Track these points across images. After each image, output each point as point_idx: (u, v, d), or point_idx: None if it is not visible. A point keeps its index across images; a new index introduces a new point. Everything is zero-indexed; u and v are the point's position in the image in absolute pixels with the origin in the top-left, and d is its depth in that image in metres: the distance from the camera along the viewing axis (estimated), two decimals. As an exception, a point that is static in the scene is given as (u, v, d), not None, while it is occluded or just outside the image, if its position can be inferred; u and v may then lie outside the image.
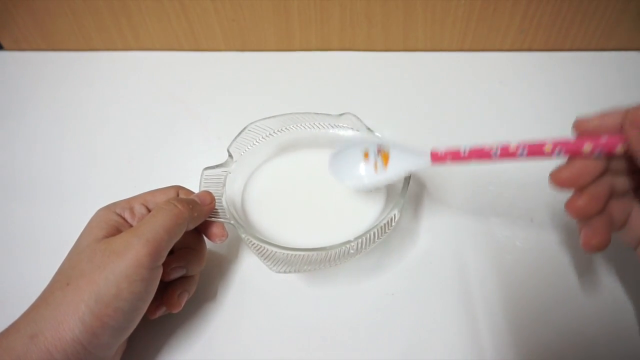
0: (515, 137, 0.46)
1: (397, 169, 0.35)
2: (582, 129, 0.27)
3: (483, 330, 0.34)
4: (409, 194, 0.42)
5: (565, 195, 0.28)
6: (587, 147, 0.26)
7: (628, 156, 0.25)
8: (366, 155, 0.37)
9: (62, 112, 0.53)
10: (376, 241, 0.34)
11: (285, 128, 0.41)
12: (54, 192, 0.45)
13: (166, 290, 0.33)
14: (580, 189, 0.27)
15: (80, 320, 0.26)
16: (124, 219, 0.32)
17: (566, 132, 0.48)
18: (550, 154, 0.27)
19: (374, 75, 0.55)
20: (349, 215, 0.38)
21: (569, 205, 0.27)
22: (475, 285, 0.36)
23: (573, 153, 0.27)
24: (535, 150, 0.28)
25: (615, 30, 0.52)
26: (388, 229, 0.35)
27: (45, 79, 0.57)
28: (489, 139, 0.46)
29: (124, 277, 0.27)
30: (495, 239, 0.39)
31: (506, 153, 0.29)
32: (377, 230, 0.34)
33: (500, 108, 0.50)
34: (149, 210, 0.33)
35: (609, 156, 0.26)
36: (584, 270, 0.36)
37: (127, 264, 0.27)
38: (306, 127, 0.42)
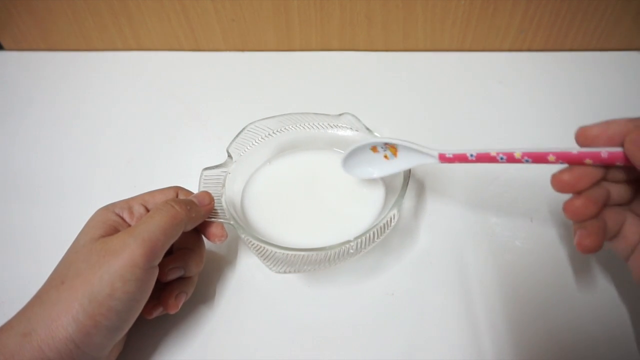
0: (515, 137, 0.47)
1: (407, 160, 0.36)
2: (584, 136, 0.28)
3: (483, 330, 0.34)
4: (409, 193, 0.42)
5: (564, 195, 0.28)
6: (589, 162, 0.27)
7: (627, 167, 0.27)
8: (374, 149, 0.37)
9: (62, 112, 0.53)
10: (375, 241, 0.34)
11: (284, 128, 0.41)
12: (54, 192, 0.45)
13: (164, 290, 0.33)
14: (579, 192, 0.28)
15: (73, 319, 0.26)
16: (122, 219, 0.32)
17: (566, 132, 0.48)
18: (553, 163, 0.29)
19: (374, 75, 0.55)
20: (349, 215, 0.38)
21: (567, 206, 0.28)
22: (475, 285, 0.36)
23: (575, 163, 0.28)
24: (539, 159, 0.29)
25: (615, 30, 0.52)
26: (387, 229, 0.35)
27: (45, 79, 0.57)
28: (489, 138, 0.47)
29: (119, 276, 0.27)
30: (495, 239, 0.39)
31: (512, 160, 0.30)
32: (377, 230, 0.34)
33: (500, 108, 0.50)
34: (148, 211, 0.33)
35: (609, 166, 0.27)
36: (584, 270, 0.36)
37: (122, 264, 0.27)
38: (305, 127, 0.42)
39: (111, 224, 0.31)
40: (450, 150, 0.33)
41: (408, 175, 0.36)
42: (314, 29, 0.55)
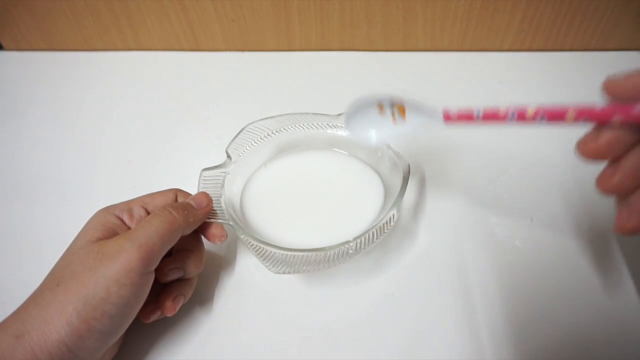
0: (515, 137, 0.46)
1: (415, 122, 0.33)
2: (614, 91, 0.23)
3: (483, 330, 0.34)
4: (408, 193, 0.42)
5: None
6: (617, 118, 0.23)
7: None
8: (381, 108, 0.34)
9: (62, 112, 0.53)
10: (375, 241, 0.34)
11: (284, 128, 0.41)
12: (54, 192, 0.45)
13: (162, 293, 0.33)
14: (612, 161, 0.24)
15: (67, 322, 0.26)
16: (122, 221, 0.32)
17: (565, 132, 0.48)
18: (573, 122, 0.24)
19: (374, 75, 0.55)
20: (348, 216, 0.38)
21: (601, 182, 0.24)
22: (475, 285, 0.36)
23: (601, 122, 0.23)
24: (555, 117, 0.25)
25: (615, 30, 0.52)
26: (387, 229, 0.35)
27: (45, 79, 0.57)
28: (489, 138, 0.47)
29: (114, 281, 0.27)
30: (495, 239, 0.39)
31: (523, 118, 0.26)
32: (376, 230, 0.34)
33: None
34: (148, 213, 0.33)
35: None
36: (584, 270, 0.36)
37: (118, 268, 0.27)
38: (304, 127, 0.41)
39: (110, 226, 0.31)
40: (454, 110, 0.30)
41: (407, 175, 0.36)
42: (314, 29, 0.55)
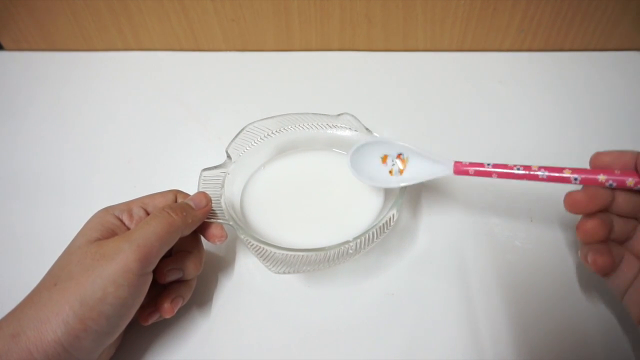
0: (515, 137, 0.47)
1: (412, 176, 0.36)
2: (598, 162, 0.30)
3: (483, 330, 0.34)
4: (408, 193, 0.42)
5: (564, 194, 0.28)
6: (602, 177, 0.28)
7: (632, 195, 0.29)
8: (384, 159, 0.37)
9: (62, 112, 0.53)
10: (375, 241, 0.34)
11: (284, 128, 0.41)
12: (54, 192, 0.45)
13: (160, 294, 0.33)
14: (589, 214, 0.29)
15: (63, 322, 0.26)
16: (121, 221, 0.32)
17: (566, 132, 0.48)
18: (568, 180, 0.30)
19: (374, 75, 0.55)
20: (348, 216, 0.38)
21: (580, 225, 0.29)
22: (475, 285, 0.36)
23: (589, 181, 0.29)
24: (555, 175, 0.30)
25: (615, 30, 0.52)
26: (387, 229, 0.35)
27: (45, 79, 0.57)
28: (489, 138, 0.47)
29: (111, 281, 0.27)
30: (495, 239, 0.39)
31: (529, 175, 0.31)
32: (376, 231, 0.34)
33: (500, 108, 0.50)
34: (148, 214, 0.33)
35: (620, 187, 0.29)
36: (584, 271, 0.36)
37: (116, 269, 0.27)
38: (304, 127, 0.41)
39: (109, 226, 0.31)
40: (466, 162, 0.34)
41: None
42: (314, 29, 0.55)
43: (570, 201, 0.29)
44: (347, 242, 0.33)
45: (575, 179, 0.29)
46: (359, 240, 0.33)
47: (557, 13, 0.51)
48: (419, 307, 0.35)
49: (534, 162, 0.31)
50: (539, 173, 0.31)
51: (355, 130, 0.41)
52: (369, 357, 0.33)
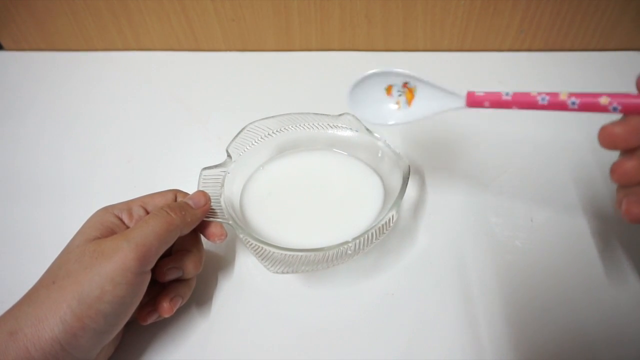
0: (515, 137, 0.46)
1: (423, 107, 0.32)
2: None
3: (483, 330, 0.34)
4: (407, 193, 0.42)
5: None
6: None
7: None
8: (389, 90, 0.33)
9: (62, 112, 0.53)
10: (374, 242, 0.34)
11: (284, 128, 0.41)
12: (54, 192, 0.45)
13: (159, 293, 0.33)
14: (630, 151, 0.25)
15: (60, 320, 0.26)
16: (121, 220, 0.32)
17: (566, 133, 0.48)
18: (605, 108, 0.25)
19: (374, 75, 0.55)
20: (347, 216, 0.38)
21: (616, 168, 0.25)
22: (475, 285, 0.36)
23: (632, 109, 0.24)
24: (588, 102, 0.25)
25: (615, 30, 0.52)
26: (386, 230, 0.35)
27: (45, 79, 0.57)
28: (489, 138, 0.47)
29: (109, 279, 0.27)
30: (495, 239, 0.39)
31: (554, 102, 0.26)
32: (375, 231, 0.34)
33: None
34: (148, 213, 0.33)
35: None
36: (584, 271, 0.36)
37: (114, 267, 0.27)
38: (304, 127, 0.41)
39: (108, 225, 0.31)
40: (480, 91, 0.29)
41: (407, 176, 0.36)
42: (314, 29, 0.55)
43: (605, 135, 0.24)
44: (346, 242, 0.33)
45: (615, 108, 0.24)
46: (358, 241, 0.33)
47: (557, 13, 0.51)
48: (418, 307, 0.35)
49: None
50: (568, 101, 0.25)
51: (356, 131, 0.41)
52: (369, 357, 0.33)
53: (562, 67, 0.54)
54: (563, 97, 0.26)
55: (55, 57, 0.60)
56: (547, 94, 0.26)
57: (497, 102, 0.28)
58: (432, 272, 0.37)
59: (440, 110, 0.31)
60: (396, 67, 0.32)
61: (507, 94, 0.28)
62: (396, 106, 0.33)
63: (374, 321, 0.35)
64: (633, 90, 0.27)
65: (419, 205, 0.42)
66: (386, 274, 0.37)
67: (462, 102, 0.30)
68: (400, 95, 0.33)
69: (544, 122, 0.48)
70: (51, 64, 0.59)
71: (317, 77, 0.55)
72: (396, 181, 0.37)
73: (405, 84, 0.32)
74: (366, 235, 0.34)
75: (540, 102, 0.27)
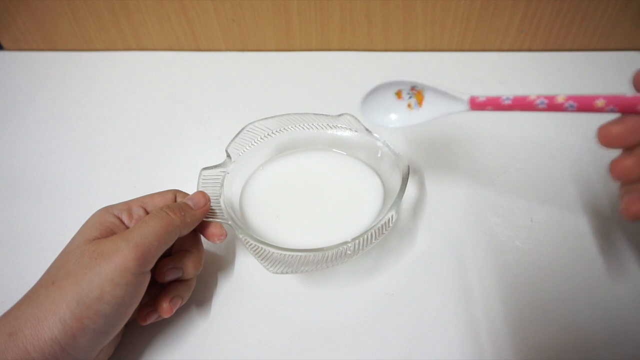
0: (515, 136, 0.46)
1: (432, 109, 0.33)
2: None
3: (483, 330, 0.34)
4: (407, 194, 0.42)
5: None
6: None
7: None
8: (399, 94, 0.35)
9: (62, 112, 0.53)
10: (374, 242, 0.34)
11: (284, 128, 0.41)
12: (54, 192, 0.45)
13: (159, 294, 0.33)
14: (628, 149, 0.25)
15: (60, 321, 0.26)
16: (121, 221, 0.32)
17: (566, 133, 0.48)
18: (601, 110, 0.25)
19: (374, 75, 0.55)
20: (347, 216, 0.38)
21: (615, 165, 0.25)
22: (475, 286, 0.36)
23: (628, 110, 0.24)
24: (585, 105, 0.26)
25: (615, 30, 0.52)
26: (385, 230, 0.35)
27: (45, 79, 0.57)
28: (489, 138, 0.47)
29: (109, 280, 0.27)
30: (495, 239, 0.39)
31: (552, 105, 0.27)
32: (375, 231, 0.34)
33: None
34: (147, 213, 0.33)
35: None
36: (584, 271, 0.36)
37: (113, 267, 0.27)
38: (304, 127, 0.41)
39: (108, 225, 0.31)
40: (482, 95, 0.30)
41: (406, 176, 0.36)
42: (314, 29, 0.55)
43: (603, 134, 0.25)
44: (346, 242, 0.33)
45: (612, 110, 0.25)
46: (357, 241, 0.33)
47: (557, 13, 0.51)
48: (418, 307, 0.35)
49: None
50: (565, 104, 0.26)
51: (356, 131, 0.41)
52: (369, 357, 0.33)
53: (562, 67, 0.54)
54: (560, 100, 0.27)
55: (55, 57, 0.60)
56: (545, 97, 0.27)
57: (498, 106, 0.30)
58: (432, 272, 0.37)
59: (448, 112, 0.33)
60: (398, 71, 0.33)
61: (507, 98, 0.29)
62: (408, 108, 0.35)
63: (374, 321, 0.35)
64: (631, 89, 0.27)
65: (418, 205, 0.42)
66: (386, 274, 0.37)
67: (465, 106, 0.31)
68: (410, 98, 0.34)
69: (543, 122, 0.48)
70: (51, 64, 0.59)
71: (317, 77, 0.55)
72: (396, 181, 0.37)
73: (412, 88, 0.34)
74: (366, 236, 0.34)
75: (539, 106, 0.28)
